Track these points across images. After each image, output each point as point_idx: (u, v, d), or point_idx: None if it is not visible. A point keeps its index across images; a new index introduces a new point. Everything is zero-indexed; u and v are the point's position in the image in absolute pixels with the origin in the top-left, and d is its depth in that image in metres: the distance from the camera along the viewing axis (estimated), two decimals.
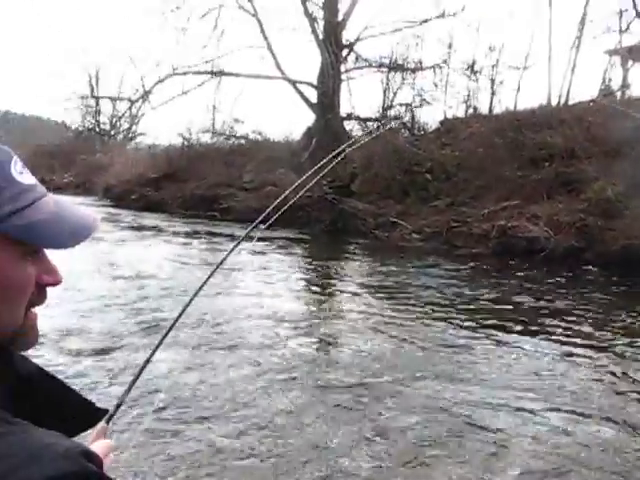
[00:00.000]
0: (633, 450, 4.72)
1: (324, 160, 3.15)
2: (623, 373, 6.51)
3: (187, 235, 17.70)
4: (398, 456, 4.51)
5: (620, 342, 7.62)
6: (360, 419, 5.11)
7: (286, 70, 25.59)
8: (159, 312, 8.13)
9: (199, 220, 21.28)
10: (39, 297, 0.96)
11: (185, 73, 26.81)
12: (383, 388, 5.85)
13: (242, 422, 4.93)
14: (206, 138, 27.94)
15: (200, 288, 1.96)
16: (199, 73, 26.93)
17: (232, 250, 2.19)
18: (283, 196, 2.58)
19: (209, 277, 2.02)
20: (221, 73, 26.93)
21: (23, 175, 0.92)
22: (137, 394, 4.97)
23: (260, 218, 2.49)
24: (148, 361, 1.72)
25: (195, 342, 6.82)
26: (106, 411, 1.08)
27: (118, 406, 1.39)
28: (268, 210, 2.53)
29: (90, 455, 0.80)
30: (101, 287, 9.70)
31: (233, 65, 39.02)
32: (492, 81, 22.52)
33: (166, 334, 1.80)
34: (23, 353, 0.98)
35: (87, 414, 1.01)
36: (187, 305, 1.90)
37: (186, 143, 27.30)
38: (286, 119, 58.30)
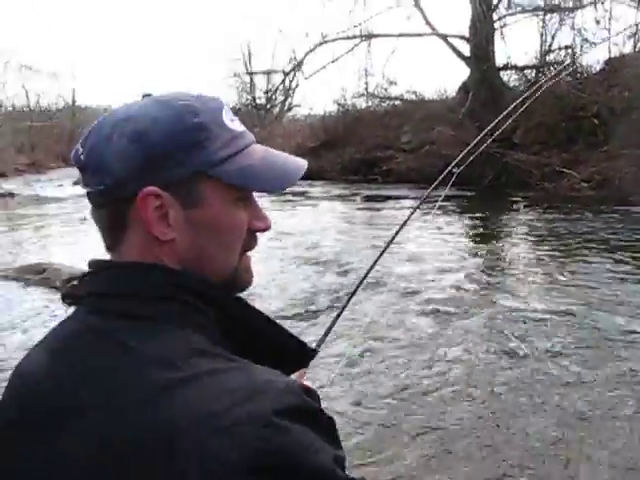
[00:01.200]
0: None
1: (502, 115, 3.01)
2: None
3: (352, 200, 18.01)
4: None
5: None
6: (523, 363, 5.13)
7: (436, 25, 25.08)
8: (346, 271, 8.66)
9: (361, 184, 21.48)
10: (250, 242, 0.99)
11: (335, 40, 26.89)
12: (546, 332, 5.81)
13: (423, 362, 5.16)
14: (360, 103, 27.98)
15: (384, 250, 2.04)
16: (348, 38, 26.88)
17: (413, 212, 2.22)
18: (460, 156, 2.54)
19: (392, 239, 2.09)
20: (370, 36, 26.74)
21: (234, 122, 0.96)
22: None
23: (440, 178, 2.49)
24: (342, 311, 1.85)
25: (380, 295, 7.14)
26: (316, 352, 1.07)
27: (315, 351, 1.45)
28: (446, 172, 2.52)
29: (309, 391, 0.83)
30: (284, 252, 10.29)
31: (382, 27, 38.72)
32: None
33: (355, 291, 1.93)
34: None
35: (299, 354, 1.03)
36: (375, 262, 1.99)
37: (341, 109, 27.50)
38: (440, 76, 56.84)
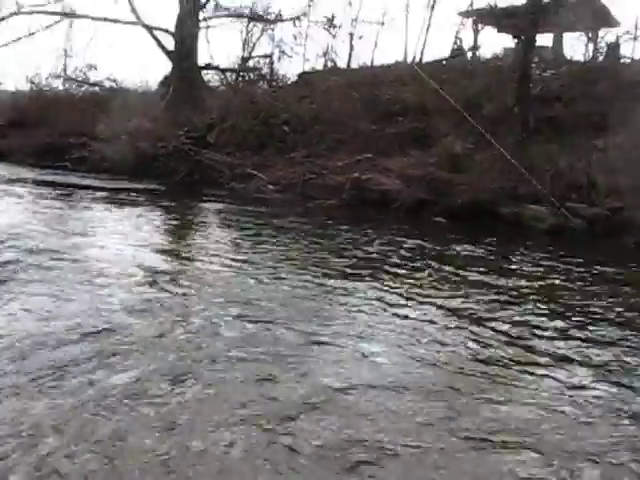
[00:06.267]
0: None
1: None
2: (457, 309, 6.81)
3: (36, 185, 16.80)
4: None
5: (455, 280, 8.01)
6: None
7: (143, 15, 24.65)
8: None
9: (50, 170, 20.17)
10: None
11: (32, 12, 25.14)
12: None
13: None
14: (57, 84, 26.51)
15: None
16: (47, 13, 25.33)
17: None
18: None
19: None
20: (72, 15, 25.50)
21: None
22: None
23: None
24: None
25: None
26: None
27: None
28: None
29: None
30: None
31: (85, 7, 37.04)
32: (351, 36, 22.65)
33: None
34: None
35: None
36: None
37: (35, 89, 25.76)
38: (143, 67, 55.47)
